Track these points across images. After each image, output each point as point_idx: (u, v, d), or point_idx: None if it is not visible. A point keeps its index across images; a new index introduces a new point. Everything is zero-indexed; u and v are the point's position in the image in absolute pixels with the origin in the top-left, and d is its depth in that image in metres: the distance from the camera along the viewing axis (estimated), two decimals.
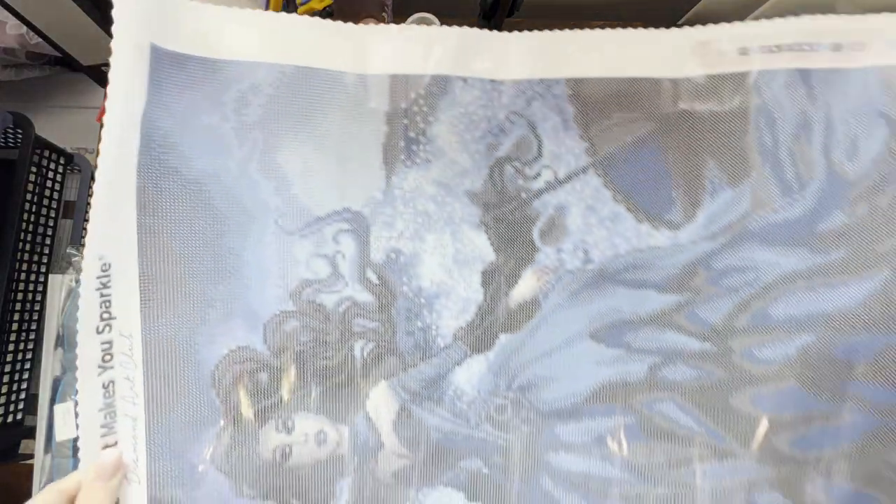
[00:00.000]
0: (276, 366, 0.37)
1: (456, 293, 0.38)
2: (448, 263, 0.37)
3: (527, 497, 0.37)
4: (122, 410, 0.33)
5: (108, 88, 0.32)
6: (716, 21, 0.37)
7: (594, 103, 0.34)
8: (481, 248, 0.37)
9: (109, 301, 0.33)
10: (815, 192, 0.32)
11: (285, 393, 0.37)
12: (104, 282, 0.33)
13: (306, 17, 0.35)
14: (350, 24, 0.35)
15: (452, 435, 0.38)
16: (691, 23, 0.38)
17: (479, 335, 0.38)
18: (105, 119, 0.32)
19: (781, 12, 0.34)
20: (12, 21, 0.56)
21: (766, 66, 0.32)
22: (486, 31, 0.35)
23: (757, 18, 0.37)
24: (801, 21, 0.31)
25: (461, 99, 0.35)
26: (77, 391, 0.32)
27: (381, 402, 0.38)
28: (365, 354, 0.38)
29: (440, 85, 0.35)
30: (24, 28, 0.56)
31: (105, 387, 0.33)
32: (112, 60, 0.32)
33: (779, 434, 0.33)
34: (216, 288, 0.36)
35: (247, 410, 0.37)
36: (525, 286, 0.37)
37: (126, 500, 0.34)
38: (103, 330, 0.33)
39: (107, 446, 0.33)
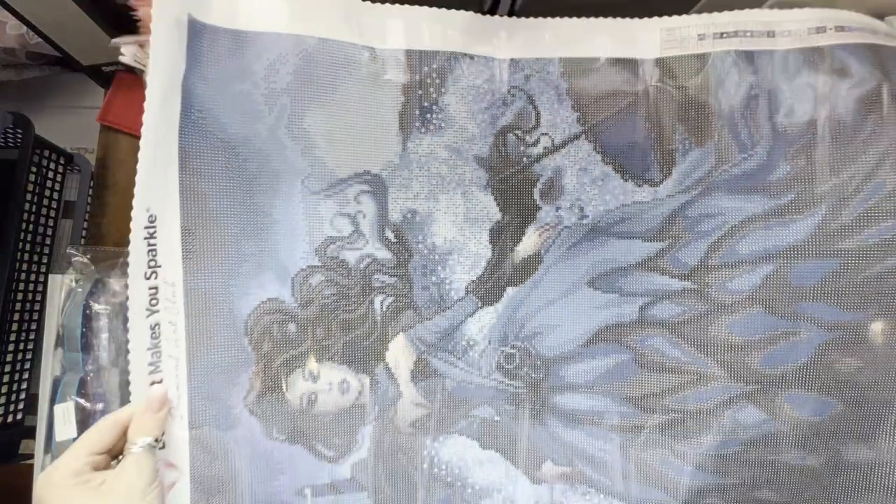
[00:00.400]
0: (304, 317, 0.40)
1: (467, 249, 0.42)
2: (459, 222, 0.42)
3: (536, 440, 0.41)
4: (166, 351, 0.37)
5: (150, 57, 0.36)
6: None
7: (583, 79, 0.41)
8: (489, 207, 0.42)
9: (155, 250, 0.36)
10: (764, 148, 0.40)
11: (311, 343, 0.40)
12: (151, 232, 0.36)
13: None
14: (368, 3, 0.40)
15: (466, 384, 0.42)
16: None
17: (488, 288, 0.42)
18: (147, 82, 0.36)
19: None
20: (12, 21, 0.57)
21: (719, 49, 0.39)
22: (489, 17, 0.41)
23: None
24: (744, 13, 0.40)
25: (469, 73, 0.41)
26: (128, 330, 0.36)
27: (399, 353, 0.42)
28: (384, 308, 0.41)
29: (450, 61, 0.41)
30: (24, 28, 0.57)
31: (152, 328, 0.36)
32: (152, 29, 0.36)
33: (750, 355, 0.39)
34: (249, 243, 0.40)
35: (276, 358, 0.39)
36: (529, 242, 0.42)
37: (170, 434, 0.37)
38: (150, 276, 0.36)
39: (153, 382, 0.36)
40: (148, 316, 0.36)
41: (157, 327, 0.36)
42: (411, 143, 0.41)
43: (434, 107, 0.41)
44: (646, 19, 0.41)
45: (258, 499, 0.39)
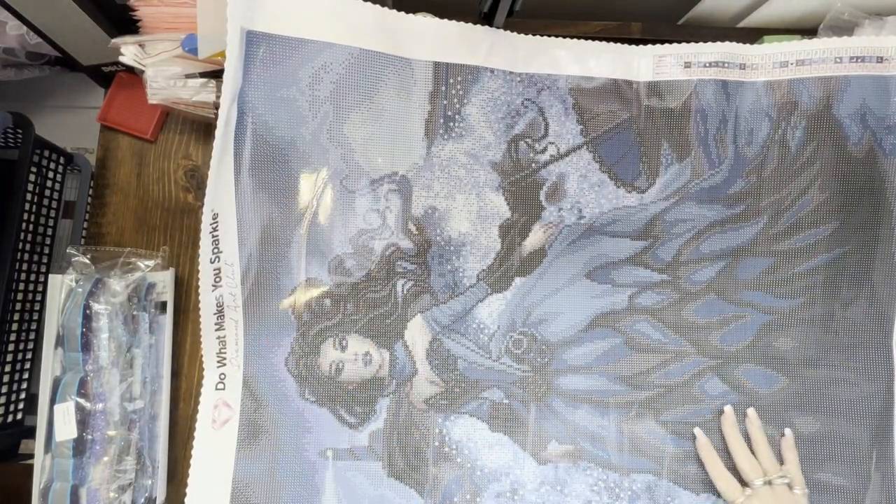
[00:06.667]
0: (337, 294, 0.45)
1: (479, 242, 0.48)
2: (473, 218, 0.48)
3: (542, 422, 0.47)
4: (228, 315, 0.44)
5: (224, 74, 0.41)
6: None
7: (587, 96, 0.48)
8: (500, 206, 0.48)
9: (218, 240, 0.43)
10: (727, 166, 0.49)
11: (342, 317, 0.47)
12: (214, 226, 0.43)
13: (369, 4, 0.45)
14: (402, 14, 0.46)
15: (476, 365, 0.48)
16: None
17: (497, 277, 0.48)
18: (220, 99, 0.41)
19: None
20: (12, 21, 0.57)
21: (700, 77, 0.48)
22: (509, 33, 0.47)
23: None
24: (724, 45, 0.49)
25: (488, 86, 0.48)
26: (200, 301, 0.42)
27: (416, 332, 0.47)
28: (405, 291, 0.47)
29: (473, 74, 0.47)
30: (24, 28, 0.56)
31: (217, 298, 0.44)
32: (228, 46, 0.41)
33: (712, 334, 0.48)
34: (293, 232, 0.46)
35: (313, 327, 0.46)
36: (534, 238, 0.49)
37: (228, 378, 0.45)
38: (214, 260, 0.44)
39: (218, 337, 0.45)
40: (213, 290, 0.43)
41: (221, 297, 0.44)
42: (435, 148, 0.47)
43: (457, 116, 0.48)
44: (641, 46, 0.49)
45: (288, 450, 0.45)
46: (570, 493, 0.46)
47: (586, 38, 0.49)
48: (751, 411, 0.47)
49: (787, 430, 0.47)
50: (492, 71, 0.48)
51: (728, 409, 0.47)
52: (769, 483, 0.44)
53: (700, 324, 0.48)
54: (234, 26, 0.41)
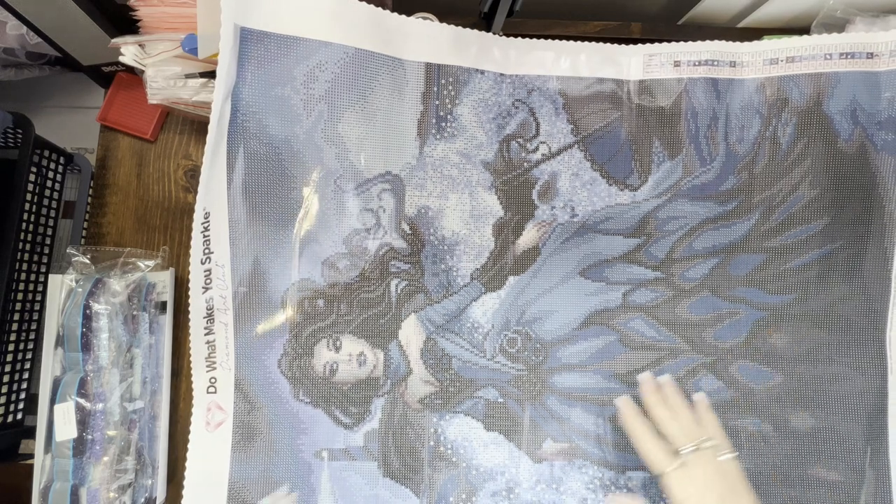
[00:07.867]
0: (331, 294, 0.46)
1: (472, 241, 0.49)
2: (466, 218, 0.49)
3: (537, 420, 0.48)
4: (218, 318, 0.44)
5: (217, 71, 0.41)
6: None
7: (577, 96, 0.49)
8: (492, 205, 0.49)
9: (209, 240, 0.43)
10: (719, 163, 0.49)
11: (336, 317, 0.47)
12: (205, 226, 0.43)
13: (364, 3, 0.45)
14: (395, 15, 0.46)
15: (471, 364, 0.48)
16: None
17: (491, 276, 0.49)
18: (213, 96, 0.42)
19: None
20: (12, 21, 0.58)
21: (690, 75, 0.49)
22: (499, 37, 0.48)
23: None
24: (713, 44, 0.50)
25: (479, 87, 0.48)
26: (191, 304, 0.42)
27: (411, 332, 0.47)
28: (399, 290, 0.47)
29: (464, 75, 0.48)
30: (24, 28, 0.57)
31: (207, 301, 0.44)
32: (221, 41, 0.41)
33: (706, 330, 0.48)
34: (286, 232, 0.46)
35: (306, 328, 0.47)
36: (527, 236, 0.49)
37: (219, 382, 0.45)
38: (205, 262, 0.44)
39: (207, 341, 0.44)
40: (203, 293, 0.43)
41: (211, 300, 0.44)
42: (427, 148, 0.48)
43: (449, 116, 0.48)
44: (631, 45, 0.50)
45: (283, 451, 0.46)
46: (566, 490, 0.46)
47: (586, 38, 0.50)
48: (665, 377, 0.45)
49: (699, 394, 0.45)
50: (482, 72, 0.48)
51: (646, 375, 0.45)
52: (697, 449, 0.41)
53: (694, 321, 0.48)
54: (227, 23, 0.41)
